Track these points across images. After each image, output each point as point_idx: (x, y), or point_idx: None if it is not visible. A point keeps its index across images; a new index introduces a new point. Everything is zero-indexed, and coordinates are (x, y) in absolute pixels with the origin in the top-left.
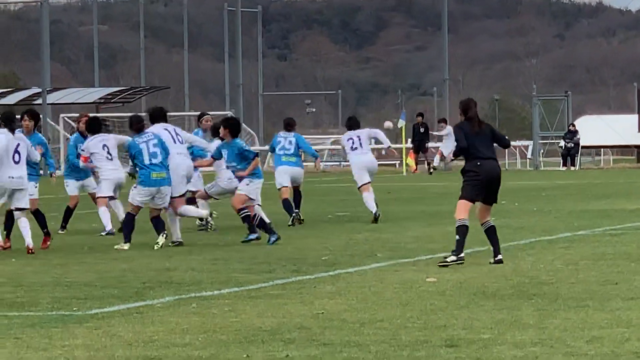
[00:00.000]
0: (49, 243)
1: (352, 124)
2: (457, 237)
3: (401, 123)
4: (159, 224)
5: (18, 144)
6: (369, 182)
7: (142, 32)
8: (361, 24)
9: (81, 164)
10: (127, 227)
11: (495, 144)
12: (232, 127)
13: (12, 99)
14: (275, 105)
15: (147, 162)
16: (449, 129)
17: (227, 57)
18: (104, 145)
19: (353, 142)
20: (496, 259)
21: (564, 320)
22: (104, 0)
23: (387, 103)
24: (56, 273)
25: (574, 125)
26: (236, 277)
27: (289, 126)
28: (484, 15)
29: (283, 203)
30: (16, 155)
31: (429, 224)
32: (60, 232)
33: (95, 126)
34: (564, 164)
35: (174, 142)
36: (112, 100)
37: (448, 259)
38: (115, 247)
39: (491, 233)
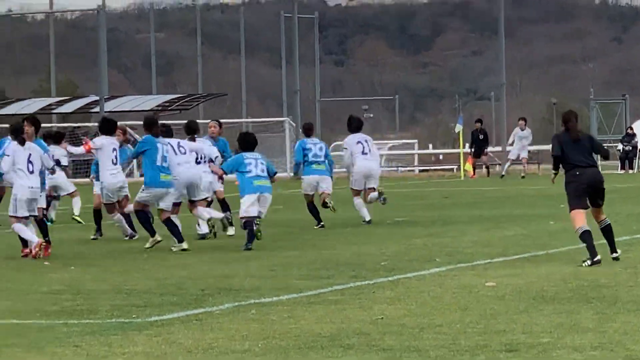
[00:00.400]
0: (49, 251)
1: (359, 125)
2: (585, 244)
3: (458, 127)
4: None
5: (30, 154)
6: (372, 188)
7: (199, 39)
8: (418, 29)
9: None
10: (146, 223)
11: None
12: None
13: (70, 107)
14: (332, 110)
15: (159, 163)
16: (528, 132)
17: (284, 64)
18: (114, 149)
19: (363, 147)
20: (612, 256)
21: (623, 324)
22: (161, 8)
23: (444, 108)
24: (115, 280)
25: (632, 129)
26: (295, 284)
27: (310, 131)
28: (541, 19)
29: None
30: (30, 165)
31: (487, 228)
32: (94, 237)
33: (109, 126)
34: (622, 167)
35: (175, 153)
36: (169, 108)
37: (584, 264)
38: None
39: (607, 231)
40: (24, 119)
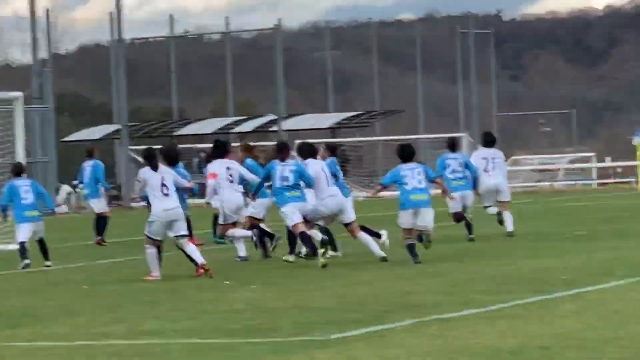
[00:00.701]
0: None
1: (491, 140)
2: None
3: (636, 140)
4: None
5: (162, 177)
6: (505, 201)
7: (375, 56)
8: (593, 41)
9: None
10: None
11: None
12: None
13: (247, 126)
14: (509, 125)
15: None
16: None
17: (460, 79)
18: (227, 168)
19: (487, 163)
20: None
21: None
22: (336, 26)
23: (621, 120)
24: (296, 298)
25: None
26: (476, 299)
27: (454, 146)
28: None
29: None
30: (164, 188)
31: None
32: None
33: (220, 149)
34: None
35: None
36: (347, 126)
37: None
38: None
39: None
40: (161, 148)
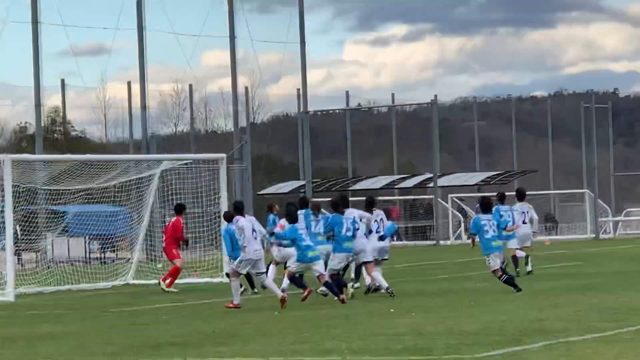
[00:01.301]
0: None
1: (522, 194)
2: None
3: None
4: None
5: (253, 224)
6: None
7: (514, 125)
8: None
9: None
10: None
11: None
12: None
13: (409, 183)
14: (624, 183)
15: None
16: None
17: (584, 145)
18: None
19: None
20: None
21: None
22: (482, 100)
23: None
24: (449, 324)
25: None
26: (596, 325)
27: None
28: None
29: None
30: (254, 233)
31: None
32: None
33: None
34: None
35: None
36: (490, 182)
37: None
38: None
39: None
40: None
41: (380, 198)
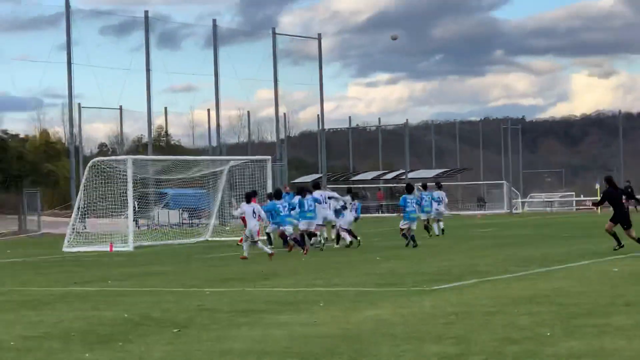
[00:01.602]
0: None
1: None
2: None
3: None
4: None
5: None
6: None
7: (457, 139)
8: None
9: None
10: None
11: None
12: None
13: (389, 176)
14: (529, 177)
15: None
16: None
17: (503, 152)
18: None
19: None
20: None
21: None
22: (437, 123)
23: None
24: (415, 267)
25: None
26: (511, 268)
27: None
28: None
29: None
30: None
31: None
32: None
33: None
34: None
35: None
36: (442, 176)
37: None
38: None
39: None
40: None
41: (369, 186)
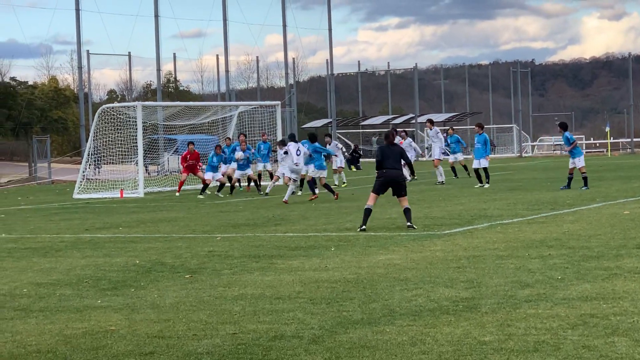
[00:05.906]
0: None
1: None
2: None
3: None
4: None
5: (298, 147)
6: None
7: (467, 83)
8: None
9: None
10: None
11: None
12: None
13: (399, 120)
14: (539, 120)
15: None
16: None
17: (512, 96)
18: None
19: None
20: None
21: None
22: (446, 67)
23: None
24: (425, 211)
25: None
26: (521, 212)
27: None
28: None
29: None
30: (298, 151)
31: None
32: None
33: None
34: None
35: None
36: (451, 120)
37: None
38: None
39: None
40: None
41: (379, 130)
